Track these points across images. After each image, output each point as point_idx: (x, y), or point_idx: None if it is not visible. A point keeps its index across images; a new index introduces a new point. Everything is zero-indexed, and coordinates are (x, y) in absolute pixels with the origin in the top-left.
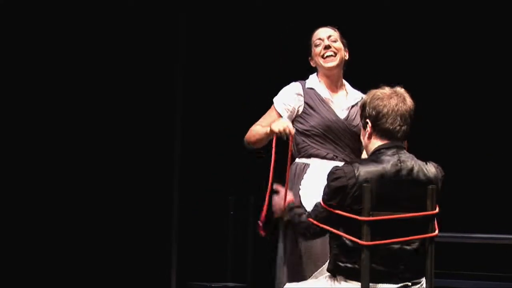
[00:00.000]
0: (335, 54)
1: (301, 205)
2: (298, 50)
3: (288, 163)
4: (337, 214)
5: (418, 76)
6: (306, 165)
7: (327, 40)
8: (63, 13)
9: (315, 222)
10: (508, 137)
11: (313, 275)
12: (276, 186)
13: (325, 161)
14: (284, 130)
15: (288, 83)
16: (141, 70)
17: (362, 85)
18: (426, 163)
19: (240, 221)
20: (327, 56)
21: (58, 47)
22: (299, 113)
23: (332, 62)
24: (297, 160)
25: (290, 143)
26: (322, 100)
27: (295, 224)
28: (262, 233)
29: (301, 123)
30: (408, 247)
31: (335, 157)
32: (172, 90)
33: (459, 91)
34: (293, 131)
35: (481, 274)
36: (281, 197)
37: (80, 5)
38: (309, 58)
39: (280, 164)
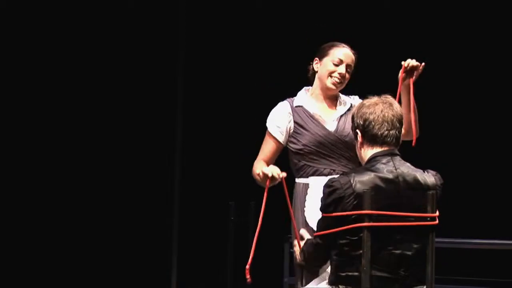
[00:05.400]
0: (342, 83)
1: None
2: (298, 51)
3: (290, 208)
4: (337, 220)
5: (416, 80)
6: (306, 185)
7: (344, 67)
8: (64, 12)
9: (317, 234)
10: (507, 141)
11: (313, 281)
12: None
13: (323, 177)
14: (273, 174)
15: (289, 84)
16: (142, 74)
17: (361, 86)
18: (424, 171)
19: (241, 226)
20: (335, 82)
21: (58, 47)
22: (291, 132)
23: (335, 89)
24: (296, 180)
25: (285, 186)
26: (310, 116)
27: (304, 252)
28: (249, 278)
29: (293, 143)
30: (408, 253)
31: (332, 171)
32: (173, 95)
33: (458, 95)
34: (283, 174)
35: (481, 279)
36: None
37: (80, 4)
38: (315, 60)
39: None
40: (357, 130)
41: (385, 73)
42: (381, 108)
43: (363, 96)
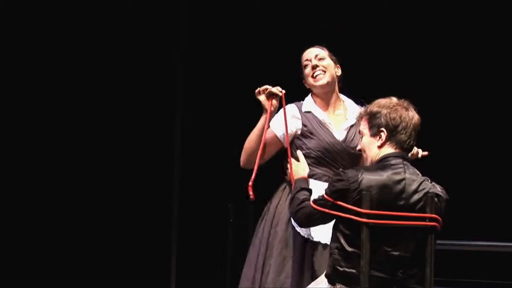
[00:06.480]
0: (324, 72)
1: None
2: (298, 51)
3: (286, 137)
4: (338, 208)
5: (416, 81)
6: None
7: (314, 59)
8: (63, 12)
9: (317, 207)
10: (506, 142)
11: (314, 281)
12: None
13: (318, 182)
14: (272, 90)
15: (289, 84)
16: (141, 75)
17: (361, 87)
18: (432, 183)
19: (240, 228)
20: (316, 75)
21: (57, 47)
22: (297, 134)
23: (322, 81)
24: None
25: (283, 103)
26: (320, 123)
27: (296, 208)
28: (252, 195)
29: (299, 145)
30: (407, 255)
31: (329, 180)
32: (172, 96)
33: (458, 95)
34: (283, 90)
35: (481, 282)
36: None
37: (80, 4)
38: (303, 80)
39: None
40: (382, 128)
41: (385, 72)
42: (412, 115)
43: (372, 99)
